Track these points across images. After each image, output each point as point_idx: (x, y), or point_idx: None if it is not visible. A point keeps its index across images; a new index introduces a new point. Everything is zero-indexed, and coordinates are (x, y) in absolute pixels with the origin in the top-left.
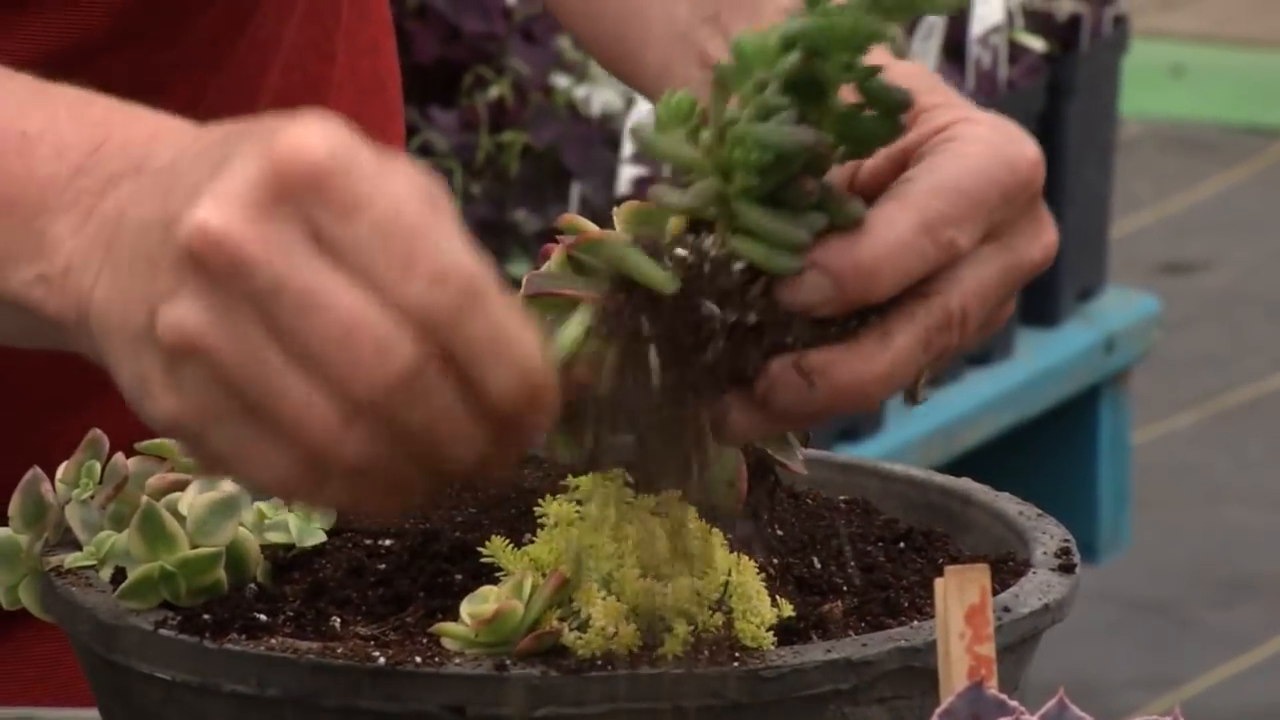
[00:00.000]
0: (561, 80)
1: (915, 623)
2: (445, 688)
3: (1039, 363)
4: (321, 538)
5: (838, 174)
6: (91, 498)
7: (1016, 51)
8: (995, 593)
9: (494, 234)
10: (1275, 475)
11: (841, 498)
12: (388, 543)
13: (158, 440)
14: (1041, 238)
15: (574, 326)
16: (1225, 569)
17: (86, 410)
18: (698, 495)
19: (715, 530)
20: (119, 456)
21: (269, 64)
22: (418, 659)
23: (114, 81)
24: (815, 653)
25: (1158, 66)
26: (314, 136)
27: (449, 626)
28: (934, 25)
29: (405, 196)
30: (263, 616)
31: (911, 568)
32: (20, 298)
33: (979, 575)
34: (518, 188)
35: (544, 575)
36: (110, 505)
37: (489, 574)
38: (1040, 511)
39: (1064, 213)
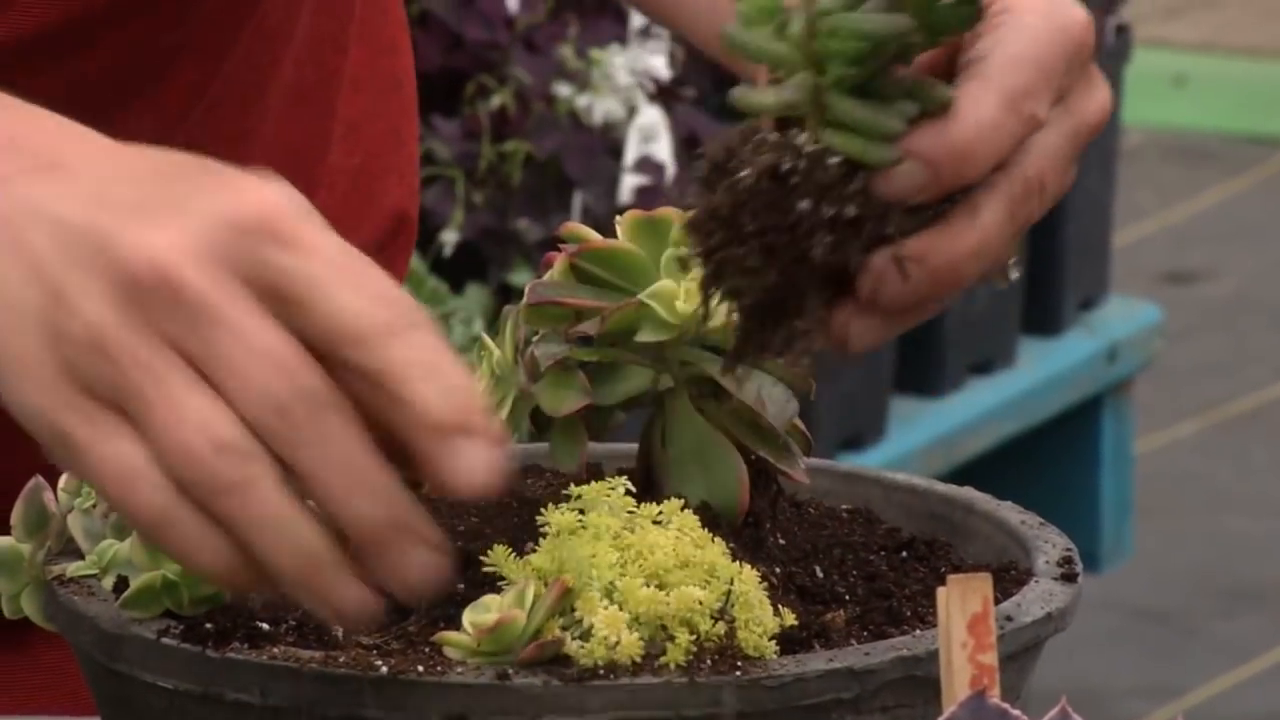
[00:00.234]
0: (564, 89)
1: (918, 632)
2: (447, 697)
3: (1041, 372)
4: None
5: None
6: (94, 506)
7: None
8: (997, 602)
9: (496, 243)
10: (1278, 484)
11: (844, 507)
12: None
13: None
14: (1097, 97)
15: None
16: (1228, 578)
17: None
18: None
19: (717, 539)
20: None
21: (280, 55)
22: (420, 668)
23: (115, 63)
24: (817, 662)
25: (1160, 76)
26: (273, 192)
27: (451, 636)
28: None
29: (351, 250)
30: (265, 625)
31: (914, 577)
32: None
33: (981, 584)
34: (520, 197)
35: (546, 584)
36: (113, 514)
37: (491, 583)
38: (1042, 520)
39: (1066, 222)
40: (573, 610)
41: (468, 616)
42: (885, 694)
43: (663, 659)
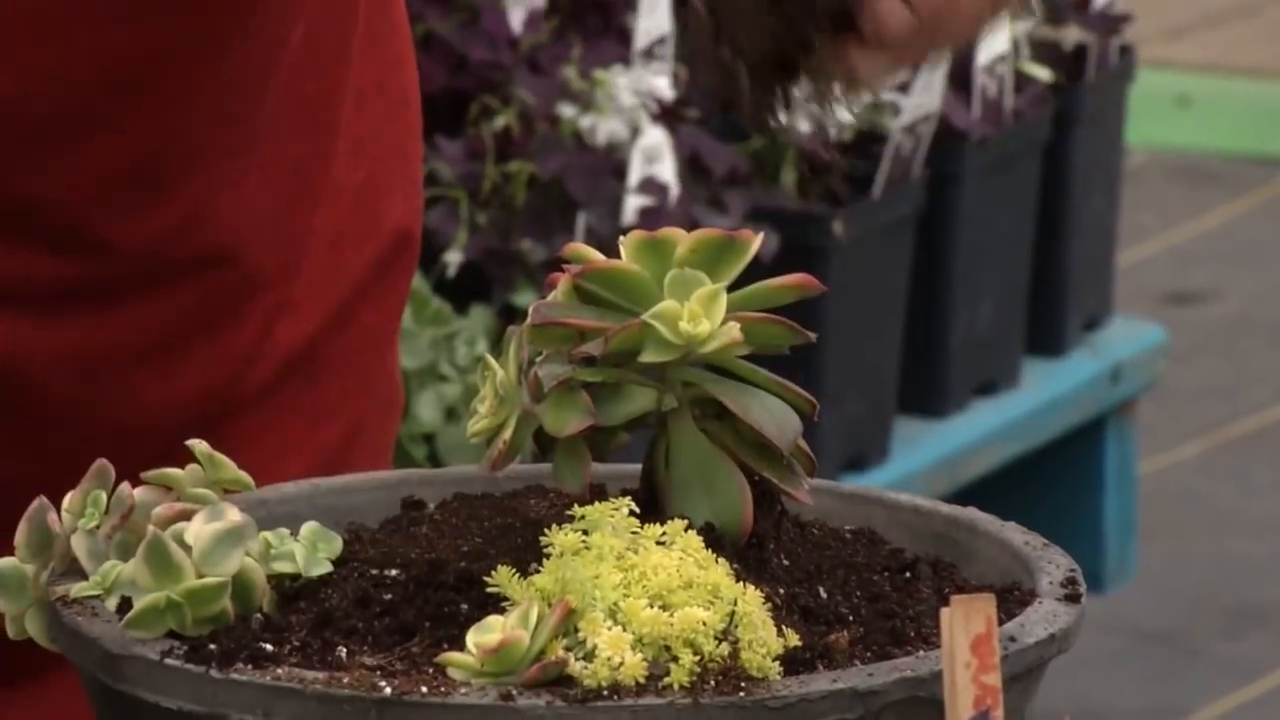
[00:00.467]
0: (567, 110)
1: (921, 652)
2: (451, 717)
3: (1045, 393)
4: (327, 568)
5: None
6: (97, 527)
7: (1022, 81)
8: (1001, 622)
9: (500, 263)
10: None
11: (847, 527)
12: (394, 573)
13: (164, 470)
14: None
15: None
16: (1231, 598)
17: (104, 410)
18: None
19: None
20: (125, 486)
21: (275, 65)
22: (424, 689)
23: (107, 65)
24: (821, 682)
25: (1164, 96)
26: None
27: (455, 656)
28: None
29: None
30: (269, 646)
31: (917, 597)
32: None
33: (985, 605)
34: (524, 217)
35: (550, 605)
36: (116, 535)
37: (495, 604)
38: (1046, 541)
39: (1070, 242)
40: (576, 631)
41: (471, 637)
42: (889, 715)
43: (666, 680)
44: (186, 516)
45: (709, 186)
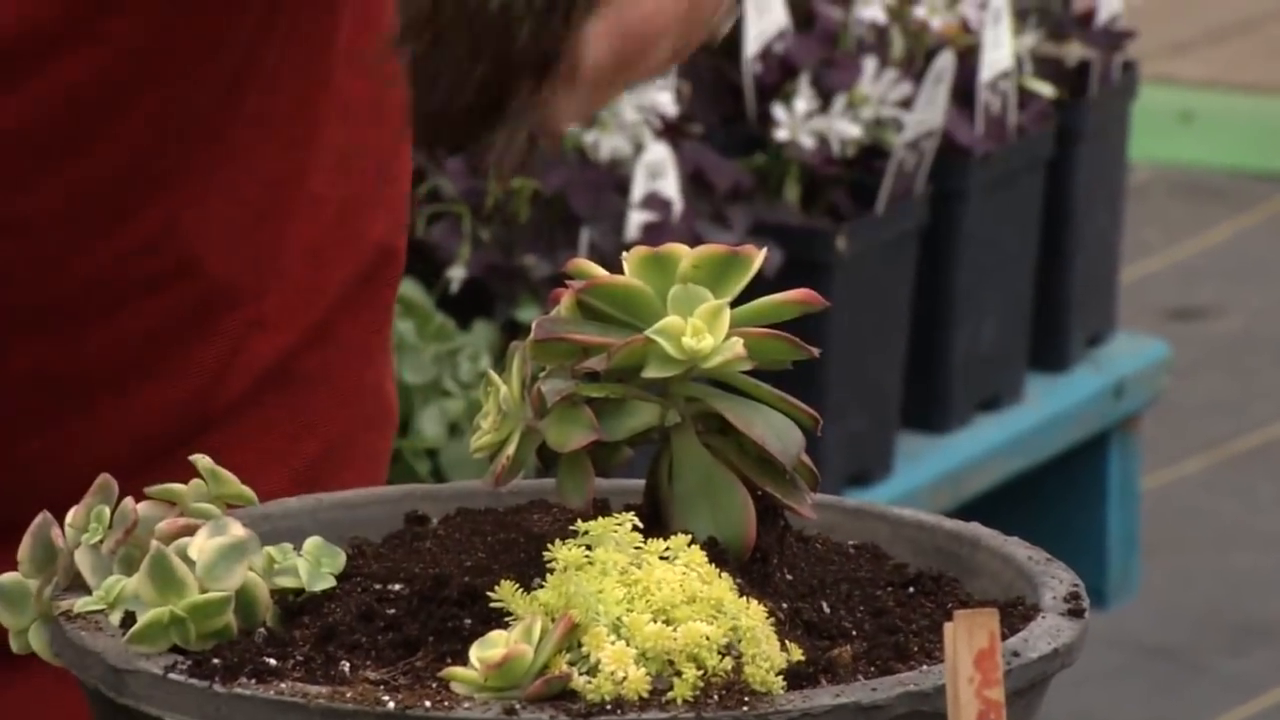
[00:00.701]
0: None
1: (924, 667)
2: None
3: (1048, 408)
4: (331, 582)
5: None
6: (101, 542)
7: (1026, 97)
8: (1004, 637)
9: (503, 279)
10: None
11: (851, 542)
12: (397, 587)
13: (168, 485)
14: None
15: None
16: (1235, 614)
17: (70, 427)
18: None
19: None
20: (128, 501)
21: (245, 87)
22: (427, 703)
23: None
24: (824, 697)
25: (1167, 112)
26: None
27: (458, 671)
28: (943, 70)
29: None
30: (272, 661)
31: (921, 612)
32: None
33: (988, 619)
34: (527, 233)
35: (553, 620)
36: (120, 550)
37: (498, 618)
38: (1049, 556)
39: (1074, 258)
40: (580, 645)
41: (475, 652)
42: None
43: (670, 694)
44: (190, 531)
45: (712, 202)
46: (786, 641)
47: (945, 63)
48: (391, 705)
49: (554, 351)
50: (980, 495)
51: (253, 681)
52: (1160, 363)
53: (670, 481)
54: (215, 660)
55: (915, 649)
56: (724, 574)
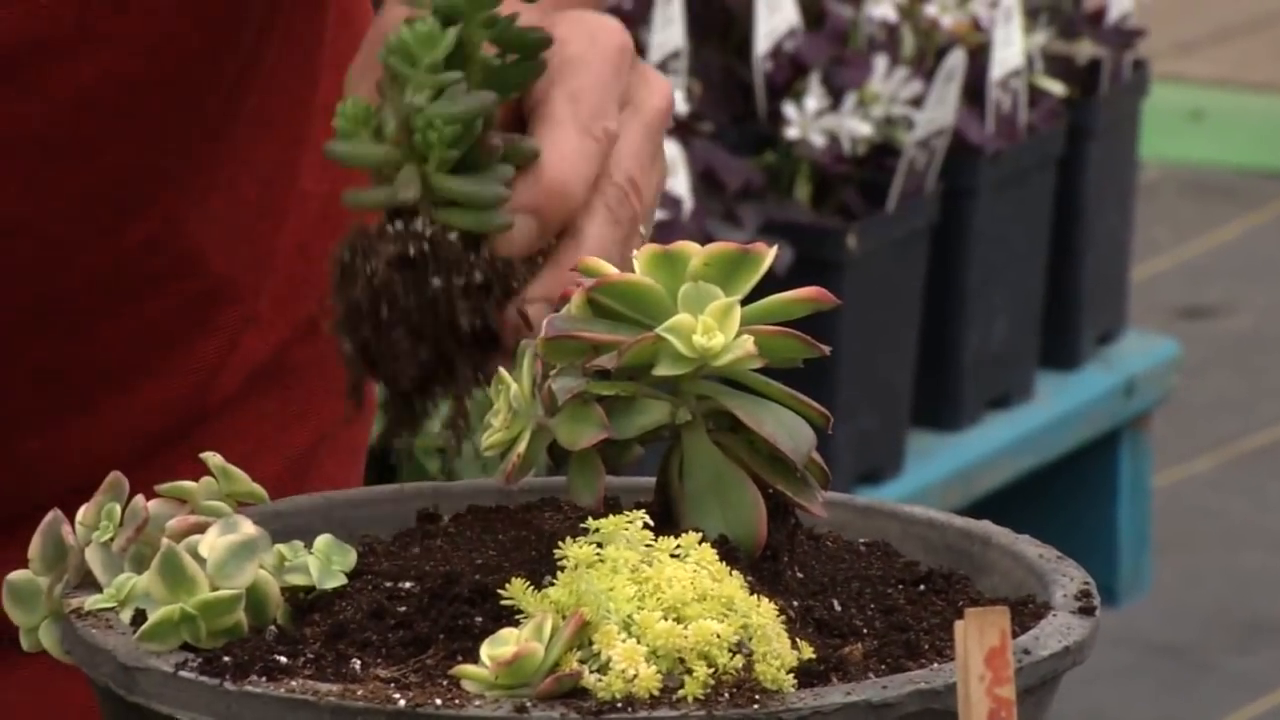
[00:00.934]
0: None
1: (935, 665)
2: None
3: (1059, 406)
4: (342, 580)
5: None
6: (112, 540)
7: (1036, 95)
8: (1015, 635)
9: None
10: None
11: (862, 540)
12: (408, 585)
13: (179, 483)
14: (656, 88)
15: None
16: (1244, 612)
17: (71, 424)
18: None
19: (735, 573)
20: (139, 499)
21: (249, 87)
22: (438, 701)
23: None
24: (835, 695)
25: (1177, 111)
26: None
27: (469, 669)
28: (954, 69)
29: None
30: (283, 659)
31: (931, 610)
32: None
33: (999, 617)
34: None
35: (564, 617)
36: (131, 547)
37: (509, 616)
38: (1060, 554)
39: (1084, 256)
40: (590, 643)
41: (485, 649)
42: None
43: (680, 692)
44: (200, 529)
45: (723, 200)
46: (797, 639)
47: (956, 61)
48: (402, 703)
49: (565, 350)
50: (991, 493)
51: (263, 679)
52: (1170, 361)
53: (681, 479)
54: (226, 658)
55: (926, 647)
56: (735, 572)
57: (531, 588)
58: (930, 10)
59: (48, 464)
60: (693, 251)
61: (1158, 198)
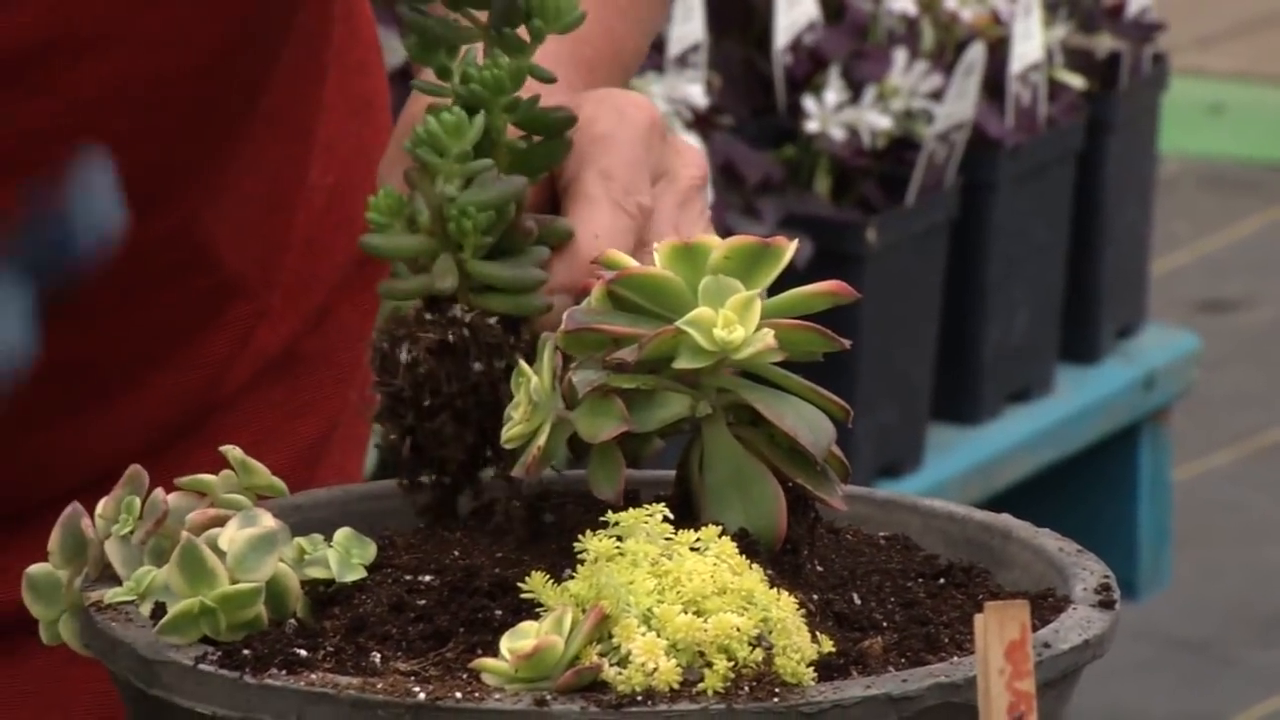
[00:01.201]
0: None
1: (955, 659)
2: None
3: (1079, 400)
4: (361, 573)
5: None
6: (131, 533)
7: (1056, 89)
8: (1035, 629)
9: None
10: None
11: (881, 534)
12: (428, 578)
13: (198, 476)
14: (689, 159)
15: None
16: (1264, 606)
17: (84, 417)
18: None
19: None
20: (159, 492)
21: (266, 84)
22: (458, 694)
23: (115, 85)
24: (855, 688)
25: (1196, 105)
26: None
27: (489, 662)
28: (974, 62)
29: None
30: (303, 652)
31: (951, 604)
32: None
33: (1019, 611)
34: None
35: (584, 611)
36: (150, 540)
37: (529, 609)
38: (1080, 548)
39: (1103, 250)
40: (610, 637)
41: (505, 643)
42: None
43: (700, 686)
44: (220, 522)
45: (743, 194)
46: (817, 633)
47: (976, 54)
48: (422, 696)
49: (585, 342)
50: (1011, 487)
51: (283, 672)
52: (1190, 355)
53: (701, 473)
54: (245, 651)
55: (946, 640)
56: (755, 565)
57: (551, 581)
58: (950, 4)
59: (61, 457)
60: (713, 245)
61: (1177, 191)
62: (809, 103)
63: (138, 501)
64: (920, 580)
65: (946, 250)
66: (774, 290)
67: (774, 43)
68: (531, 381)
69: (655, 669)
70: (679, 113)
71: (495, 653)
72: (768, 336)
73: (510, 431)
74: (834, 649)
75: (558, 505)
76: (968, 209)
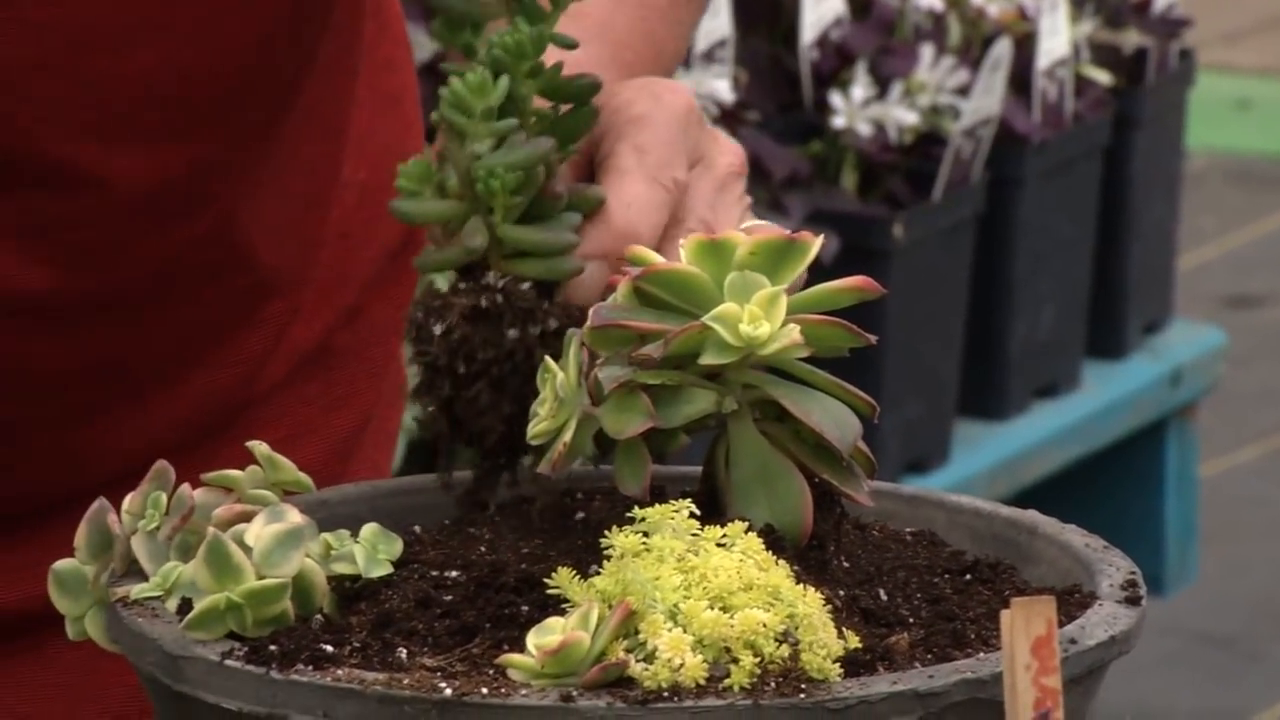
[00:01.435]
0: None
1: (982, 654)
2: (512, 719)
3: (1105, 395)
4: (388, 569)
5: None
6: (157, 528)
7: (1083, 85)
8: (1061, 624)
9: None
10: None
11: (908, 530)
12: (454, 574)
13: (224, 472)
14: (726, 149)
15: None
16: None
17: (119, 414)
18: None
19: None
20: (185, 487)
21: (304, 83)
22: (484, 690)
23: (146, 81)
24: (882, 684)
25: (1223, 100)
26: None
27: (515, 658)
28: (1000, 57)
29: None
30: (329, 647)
31: (978, 599)
32: None
33: (1045, 607)
34: None
35: (610, 607)
36: (176, 536)
37: (555, 605)
38: (1107, 543)
39: (1130, 245)
40: (637, 632)
41: (532, 638)
42: (949, 716)
43: (727, 681)
44: (247, 518)
45: (769, 189)
46: (843, 629)
47: (1002, 50)
48: (448, 692)
49: (611, 338)
50: (1037, 482)
51: (309, 668)
52: (1217, 350)
53: (727, 468)
54: (272, 647)
55: (972, 636)
56: (781, 561)
57: (577, 577)
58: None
59: (94, 453)
60: (739, 240)
61: (1204, 187)
62: (836, 98)
63: (164, 497)
64: (947, 576)
65: (973, 246)
66: (800, 286)
67: (801, 38)
68: (558, 377)
69: (681, 665)
70: (706, 108)
71: (521, 648)
72: (794, 332)
73: (536, 428)
74: (860, 645)
75: (584, 501)
76: (994, 204)
